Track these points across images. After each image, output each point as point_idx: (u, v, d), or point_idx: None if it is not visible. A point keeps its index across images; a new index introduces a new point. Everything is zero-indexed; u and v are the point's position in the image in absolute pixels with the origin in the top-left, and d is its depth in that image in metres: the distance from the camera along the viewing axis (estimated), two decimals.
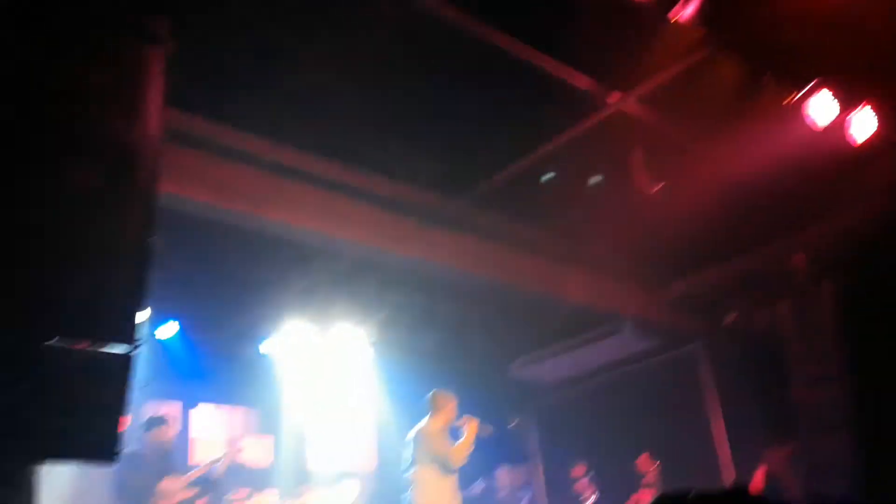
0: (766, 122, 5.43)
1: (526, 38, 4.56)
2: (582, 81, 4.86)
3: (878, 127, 5.43)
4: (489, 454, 7.63)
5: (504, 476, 8.75)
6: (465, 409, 6.58)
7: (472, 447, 6.18)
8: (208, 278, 6.94)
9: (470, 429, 6.22)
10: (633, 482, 8.48)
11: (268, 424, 9.15)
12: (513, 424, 7.22)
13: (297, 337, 8.58)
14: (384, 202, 6.12)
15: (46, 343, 2.78)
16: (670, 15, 4.29)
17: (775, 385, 8.05)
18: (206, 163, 5.06)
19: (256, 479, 8.06)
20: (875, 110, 5.40)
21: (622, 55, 4.74)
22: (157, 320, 7.32)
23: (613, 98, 4.99)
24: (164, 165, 3.01)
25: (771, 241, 7.52)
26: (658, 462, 8.33)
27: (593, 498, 8.52)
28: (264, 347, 8.43)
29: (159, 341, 7.43)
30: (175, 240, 4.17)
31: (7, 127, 2.73)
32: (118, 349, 2.80)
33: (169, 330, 7.59)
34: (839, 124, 5.37)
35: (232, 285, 7.23)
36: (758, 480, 7.21)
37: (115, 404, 2.89)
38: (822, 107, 5.21)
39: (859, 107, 5.39)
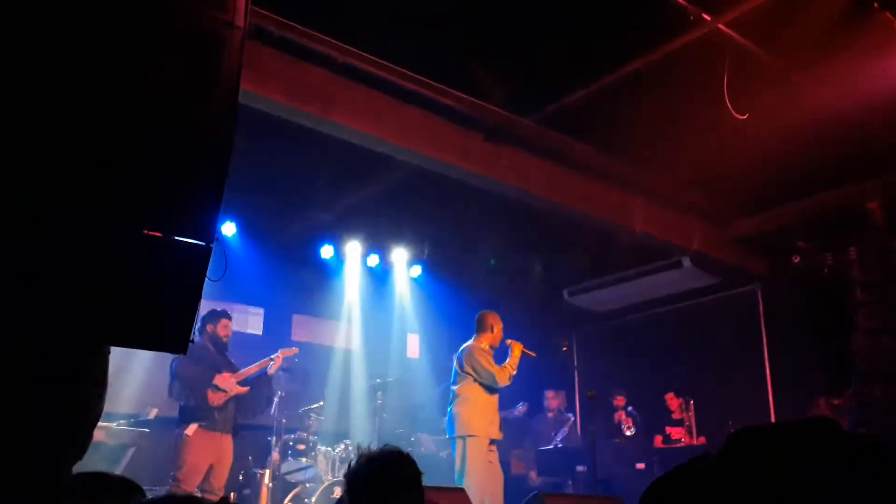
0: (864, 57, 5.10)
1: None
2: None
3: None
4: (533, 377, 7.68)
5: (552, 398, 8.83)
6: (514, 330, 6.59)
7: (517, 369, 6.24)
8: (269, 180, 6.94)
9: (515, 351, 6.26)
10: (668, 416, 8.52)
11: (317, 331, 9.33)
12: (563, 348, 7.21)
13: (351, 251, 8.66)
14: (452, 115, 5.98)
15: (126, 232, 2.76)
16: None
17: (833, 333, 7.87)
18: (280, 61, 4.96)
19: (308, 381, 8.25)
20: None
21: None
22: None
23: (708, 17, 4.70)
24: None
25: (847, 184, 7.22)
26: (682, 400, 8.32)
27: (633, 429, 8.57)
28: (322, 254, 8.51)
29: (223, 239, 7.54)
30: (241, 138, 4.12)
31: (92, 10, 2.66)
32: (196, 242, 2.78)
33: (226, 230, 7.68)
34: None
35: (293, 189, 7.24)
36: None
37: (190, 296, 2.89)
38: None
39: None
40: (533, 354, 6.40)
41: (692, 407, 8.31)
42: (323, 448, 6.98)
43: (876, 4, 4.74)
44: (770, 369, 8.74)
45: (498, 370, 6.16)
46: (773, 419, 8.36)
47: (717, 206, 7.84)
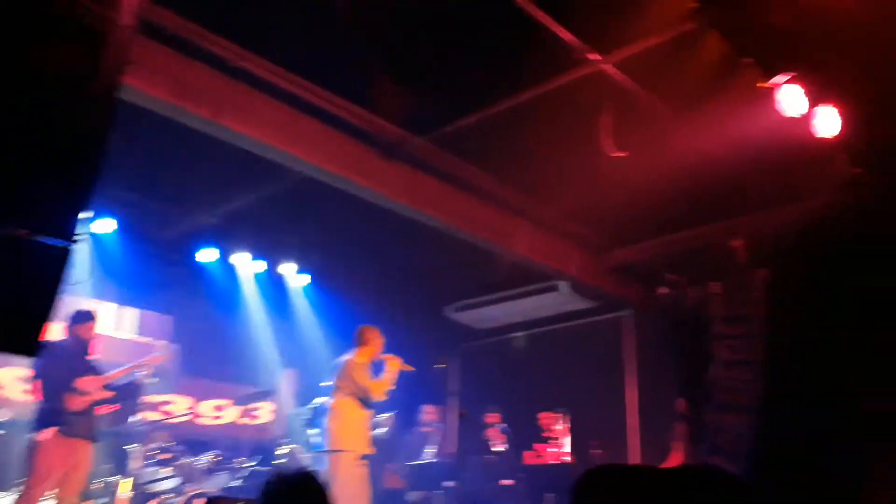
0: (736, 105, 5.43)
1: None
2: (565, 35, 4.76)
3: (840, 127, 5.49)
4: (411, 391, 7.72)
5: (430, 412, 8.90)
6: (397, 345, 6.62)
7: (394, 385, 6.27)
8: (154, 178, 6.72)
9: (392, 366, 6.29)
10: (538, 434, 8.75)
11: (192, 335, 9.04)
12: (440, 365, 7.28)
13: (236, 257, 8.48)
14: (348, 128, 5.97)
15: None
16: None
17: (694, 362, 8.30)
18: (171, 59, 4.81)
19: (178, 388, 7.99)
20: (839, 110, 5.45)
21: (610, 16, 4.65)
22: (95, 214, 7.08)
23: (593, 57, 4.91)
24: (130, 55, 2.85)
25: (715, 221, 7.65)
26: (555, 418, 8.58)
27: (503, 446, 8.73)
28: (200, 257, 8.27)
29: (94, 236, 7.20)
30: (127, 135, 3.98)
31: None
32: (57, 242, 2.66)
33: (106, 226, 7.35)
34: (805, 119, 5.42)
35: (178, 190, 7.03)
36: (676, 457, 7.45)
37: (46, 298, 2.76)
38: (792, 98, 5.24)
39: (825, 104, 5.44)
40: (412, 369, 6.44)
41: (566, 425, 8.55)
42: (188, 459, 6.75)
43: (748, 59, 5.08)
44: (635, 393, 9.13)
45: (374, 385, 6.17)
46: (635, 441, 8.73)
47: (594, 235, 8.16)
